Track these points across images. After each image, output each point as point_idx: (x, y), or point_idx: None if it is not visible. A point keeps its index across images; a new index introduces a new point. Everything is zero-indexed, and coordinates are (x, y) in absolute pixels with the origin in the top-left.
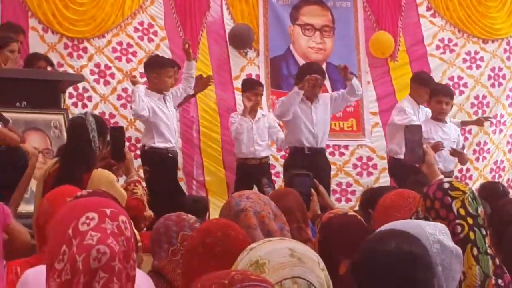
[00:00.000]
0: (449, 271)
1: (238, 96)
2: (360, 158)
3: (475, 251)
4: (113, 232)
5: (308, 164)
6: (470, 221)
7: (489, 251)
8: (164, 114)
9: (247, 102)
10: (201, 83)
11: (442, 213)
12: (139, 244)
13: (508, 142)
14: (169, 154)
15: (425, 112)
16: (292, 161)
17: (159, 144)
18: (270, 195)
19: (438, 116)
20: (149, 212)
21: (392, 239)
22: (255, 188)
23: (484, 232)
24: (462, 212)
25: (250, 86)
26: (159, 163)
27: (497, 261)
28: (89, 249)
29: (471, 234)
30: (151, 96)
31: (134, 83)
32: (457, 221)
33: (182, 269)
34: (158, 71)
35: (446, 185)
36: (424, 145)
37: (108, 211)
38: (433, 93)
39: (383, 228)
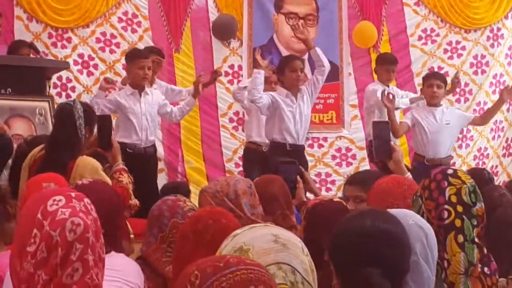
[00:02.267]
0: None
1: (219, 89)
2: (339, 150)
3: (460, 239)
4: (82, 210)
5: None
6: (460, 209)
7: (476, 240)
8: (132, 109)
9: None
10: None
11: (434, 195)
12: (131, 236)
13: (491, 129)
14: (127, 149)
15: (396, 91)
16: (274, 155)
17: (120, 139)
18: (255, 182)
19: (431, 101)
20: (134, 201)
21: (368, 216)
22: None
23: (475, 223)
24: (454, 199)
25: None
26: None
27: (485, 250)
28: (64, 222)
29: (457, 222)
30: (123, 90)
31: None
32: (445, 206)
33: (174, 255)
34: (130, 64)
35: (450, 171)
36: (391, 142)
37: (73, 194)
38: (425, 79)
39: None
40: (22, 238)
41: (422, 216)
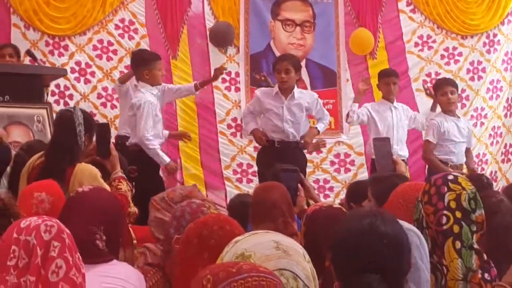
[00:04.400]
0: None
1: (217, 95)
2: (337, 155)
3: (458, 245)
4: (55, 221)
5: (279, 158)
6: (459, 215)
7: (475, 246)
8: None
9: None
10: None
11: (433, 200)
12: (134, 241)
13: (490, 135)
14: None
15: (402, 108)
16: (262, 153)
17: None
18: (256, 189)
19: (448, 108)
20: (133, 209)
21: (367, 218)
22: None
23: (474, 229)
24: (453, 204)
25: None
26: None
27: (485, 257)
28: (38, 226)
29: (456, 228)
30: (144, 89)
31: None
32: (444, 211)
33: (178, 259)
34: (148, 66)
35: (450, 177)
36: (393, 156)
37: (45, 217)
38: (437, 87)
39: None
40: (2, 258)
41: (422, 220)
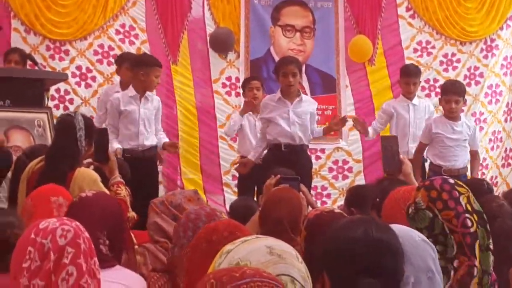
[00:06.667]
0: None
1: (217, 100)
2: (336, 162)
3: (478, 248)
4: (74, 225)
5: (285, 161)
6: (476, 217)
7: (491, 246)
8: (130, 114)
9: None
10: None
11: (450, 204)
12: (136, 247)
13: (490, 140)
14: (125, 154)
15: (425, 106)
16: (271, 155)
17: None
18: (267, 198)
19: (449, 115)
20: (132, 213)
21: (361, 225)
22: None
23: (488, 228)
24: (469, 207)
25: (246, 82)
26: None
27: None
28: (54, 230)
29: (478, 230)
30: (121, 93)
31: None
32: (467, 215)
33: (186, 263)
34: (145, 70)
35: (452, 181)
36: (401, 155)
37: (65, 218)
38: (443, 92)
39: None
40: (18, 259)
41: (434, 229)
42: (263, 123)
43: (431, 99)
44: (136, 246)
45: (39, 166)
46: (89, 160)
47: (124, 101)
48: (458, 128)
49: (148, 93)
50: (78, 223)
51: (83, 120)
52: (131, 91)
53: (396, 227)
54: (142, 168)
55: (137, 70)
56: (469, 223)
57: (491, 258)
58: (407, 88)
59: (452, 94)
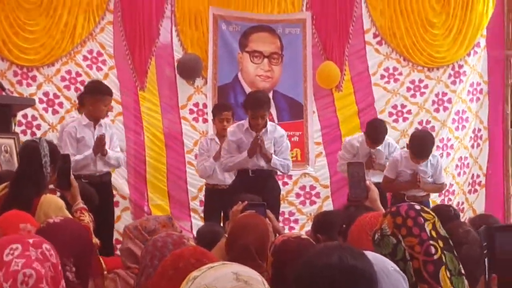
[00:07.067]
0: None
1: (185, 126)
2: (303, 187)
3: (448, 274)
4: (38, 258)
5: (252, 186)
6: (441, 244)
7: (462, 271)
8: (85, 141)
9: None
10: None
11: (415, 231)
12: (105, 272)
13: (457, 166)
14: (82, 179)
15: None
16: (238, 181)
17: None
18: (234, 224)
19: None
20: (95, 239)
21: (335, 252)
22: None
23: (455, 254)
24: (434, 234)
25: (217, 110)
26: None
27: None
28: (16, 274)
29: (443, 257)
30: (77, 121)
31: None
32: (431, 242)
33: None
34: (95, 98)
35: (418, 207)
36: (367, 181)
37: (30, 241)
38: (413, 153)
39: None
40: None
41: (396, 255)
42: (231, 143)
43: (398, 124)
44: (105, 272)
45: (3, 193)
46: (52, 186)
47: (79, 129)
48: (422, 167)
49: (102, 120)
50: (44, 251)
51: (48, 146)
52: (84, 119)
53: (370, 255)
54: (99, 193)
55: (88, 98)
56: (433, 250)
57: (465, 282)
58: (371, 146)
59: (420, 159)
